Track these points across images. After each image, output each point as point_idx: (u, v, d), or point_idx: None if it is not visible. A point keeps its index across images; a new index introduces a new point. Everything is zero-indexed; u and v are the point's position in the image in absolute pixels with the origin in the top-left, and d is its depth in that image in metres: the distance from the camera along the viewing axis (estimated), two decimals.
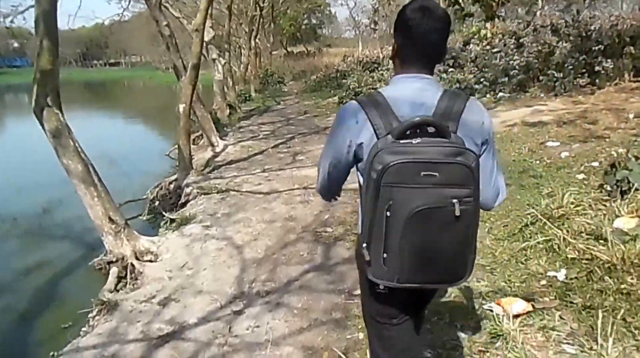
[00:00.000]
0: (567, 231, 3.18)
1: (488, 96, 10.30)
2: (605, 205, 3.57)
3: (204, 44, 9.67)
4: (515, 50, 10.39)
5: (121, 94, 41.01)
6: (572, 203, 3.52)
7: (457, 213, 1.15)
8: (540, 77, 9.47)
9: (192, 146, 9.16)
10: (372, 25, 38.26)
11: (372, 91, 1.50)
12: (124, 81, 51.89)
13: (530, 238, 3.29)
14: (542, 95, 9.06)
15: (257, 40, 24.28)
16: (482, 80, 10.44)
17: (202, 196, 5.57)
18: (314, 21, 51.63)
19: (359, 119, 1.27)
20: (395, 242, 1.20)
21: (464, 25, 13.69)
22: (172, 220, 5.09)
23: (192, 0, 14.17)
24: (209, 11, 9.85)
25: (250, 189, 5.63)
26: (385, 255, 1.22)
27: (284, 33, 44.36)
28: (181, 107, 6.22)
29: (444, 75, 11.02)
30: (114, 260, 3.98)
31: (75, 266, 4.66)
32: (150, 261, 4.05)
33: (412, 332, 1.55)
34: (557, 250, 3.06)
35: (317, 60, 33.51)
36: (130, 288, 3.65)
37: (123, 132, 15.93)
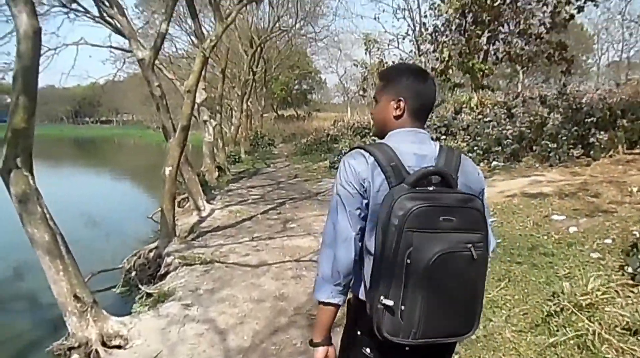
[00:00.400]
0: (600, 324, 2.80)
1: (482, 164, 10.21)
2: (633, 292, 3.23)
3: (196, 105, 9.56)
4: (507, 120, 10.46)
5: (110, 151, 40.91)
6: (598, 290, 3.16)
7: (475, 256, 1.19)
8: (534, 147, 9.44)
9: (177, 209, 8.75)
10: (361, 93, 39.53)
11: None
12: (115, 138, 52.12)
13: (558, 331, 2.89)
14: (537, 165, 8.96)
15: (249, 103, 24.63)
16: (475, 148, 10.39)
17: (184, 267, 5.08)
18: (304, 86, 53.01)
19: (369, 161, 1.29)
20: (414, 293, 1.17)
21: (453, 95, 13.94)
22: (149, 295, 4.58)
23: (186, 63, 14.35)
24: (202, 73, 9.82)
25: (237, 261, 5.17)
26: (402, 307, 1.18)
27: (275, 97, 45.37)
28: (167, 170, 5.89)
29: (438, 143, 10.96)
30: (76, 345, 3.44)
31: (31, 350, 4.05)
32: (119, 347, 3.51)
33: None
34: (592, 347, 2.66)
35: (306, 124, 34.08)
36: None
37: (108, 190, 15.47)
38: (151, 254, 5.80)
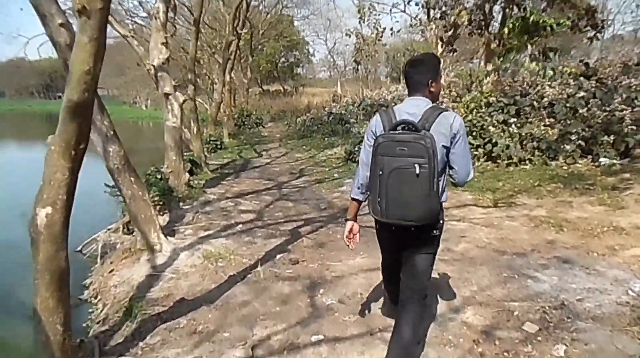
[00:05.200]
0: None
1: (584, 161, 6.90)
2: None
3: (152, 69, 5.97)
4: (608, 95, 7.12)
5: None
6: None
7: (417, 172, 2.03)
8: None
9: (122, 235, 5.48)
10: (355, 65, 35.91)
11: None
12: None
13: None
14: None
15: (232, 74, 20.87)
16: (570, 137, 7.07)
17: None
18: (291, 59, 49.31)
19: (378, 119, 2.33)
20: (383, 190, 2.13)
21: (511, 63, 10.56)
22: None
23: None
24: (164, 19, 6.20)
25: None
26: (379, 199, 2.16)
27: (260, 70, 41.65)
28: (43, 212, 2.37)
29: (512, 128, 7.61)
30: None
31: None
32: None
33: (394, 260, 2.54)
34: None
35: (295, 99, 30.54)
36: None
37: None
38: None
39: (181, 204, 6.45)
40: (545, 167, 6.99)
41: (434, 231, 2.31)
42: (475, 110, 8.50)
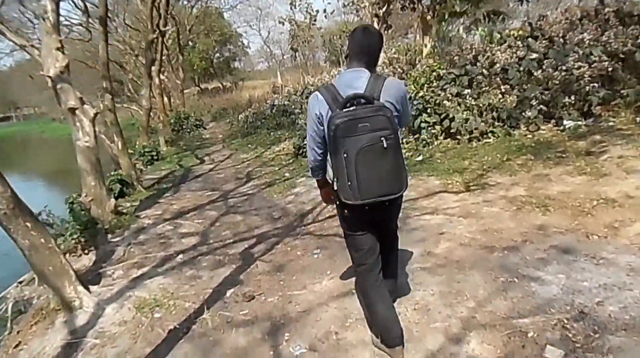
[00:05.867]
0: None
1: (547, 126, 6.49)
2: None
3: (49, 81, 4.92)
4: (571, 54, 6.71)
5: (14, 152, 34.71)
6: None
7: (385, 145, 1.98)
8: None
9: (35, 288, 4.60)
10: (292, 53, 35.00)
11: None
12: (18, 136, 45.25)
13: None
14: None
15: (162, 76, 19.44)
16: (530, 102, 6.62)
17: None
18: (226, 54, 47.62)
19: (319, 98, 2.15)
20: (352, 172, 2.02)
21: (451, 32, 10.09)
22: None
23: None
24: (54, 19, 5.14)
25: None
26: (349, 183, 2.04)
27: (195, 69, 39.91)
28: None
29: (467, 100, 7.09)
30: None
31: None
32: None
33: (373, 239, 2.42)
34: None
35: (235, 95, 29.36)
36: None
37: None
38: None
39: (109, 236, 5.45)
40: (509, 138, 6.52)
41: (402, 195, 2.31)
42: (425, 85, 7.92)
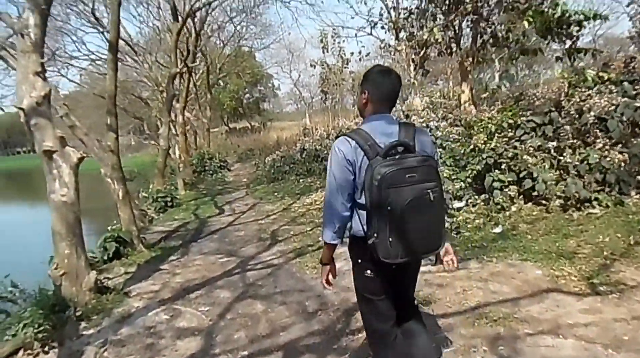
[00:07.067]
0: None
1: None
2: None
3: (22, 114, 3.64)
4: None
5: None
6: None
7: (432, 198, 1.85)
8: None
9: None
10: (322, 96, 34.37)
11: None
12: (35, 170, 45.25)
13: None
14: None
15: (190, 114, 18.61)
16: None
17: None
18: (256, 95, 47.70)
19: (352, 144, 1.93)
20: (396, 228, 1.83)
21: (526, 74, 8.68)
22: None
23: None
24: (41, 36, 3.94)
25: None
26: (390, 239, 1.85)
27: (224, 108, 39.81)
28: None
29: (566, 157, 5.55)
30: None
31: None
32: None
33: (391, 305, 2.17)
34: None
35: (263, 136, 28.47)
36: None
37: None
38: None
39: (82, 326, 3.98)
40: (621, 209, 4.89)
41: None
42: (496, 134, 6.44)
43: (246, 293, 4.50)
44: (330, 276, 2.24)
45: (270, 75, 45.24)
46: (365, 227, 1.96)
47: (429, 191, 1.84)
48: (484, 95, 12.52)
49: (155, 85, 14.95)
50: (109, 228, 6.16)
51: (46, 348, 3.74)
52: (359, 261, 2.11)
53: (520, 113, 6.53)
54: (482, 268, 4.26)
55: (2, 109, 4.96)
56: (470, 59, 12.86)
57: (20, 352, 3.75)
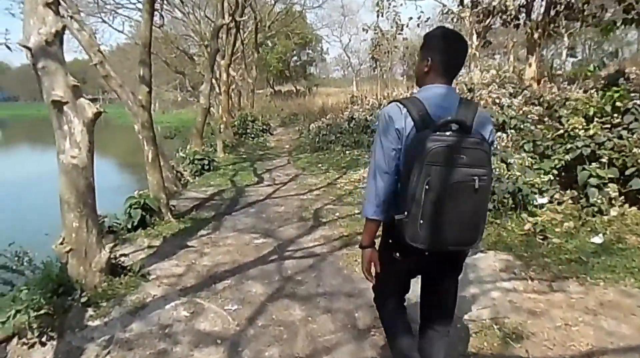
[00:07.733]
0: None
1: None
2: None
3: (29, 53, 2.88)
4: None
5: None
6: None
7: (477, 186, 1.59)
8: None
9: None
10: (372, 63, 32.83)
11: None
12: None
13: None
14: None
15: (236, 73, 17.85)
16: None
17: None
18: (304, 58, 46.45)
19: (403, 111, 1.71)
20: (430, 210, 1.59)
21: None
22: None
23: None
24: None
25: None
26: (421, 221, 1.61)
27: (270, 70, 38.97)
28: None
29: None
30: None
31: None
32: None
33: (408, 289, 2.05)
34: None
35: (308, 101, 27.53)
36: None
37: None
38: None
39: (88, 313, 3.34)
40: None
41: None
42: (595, 119, 5.29)
43: (283, 290, 3.74)
44: (373, 267, 1.93)
45: (319, 38, 43.72)
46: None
47: (475, 177, 1.61)
48: (559, 72, 11.30)
49: (201, 39, 14.20)
50: (136, 192, 5.51)
51: (44, 339, 3.14)
52: (389, 241, 1.90)
53: (632, 95, 5.31)
54: (587, 294, 3.29)
55: (9, 48, 4.14)
56: (540, 30, 11.90)
57: (15, 340, 3.19)
